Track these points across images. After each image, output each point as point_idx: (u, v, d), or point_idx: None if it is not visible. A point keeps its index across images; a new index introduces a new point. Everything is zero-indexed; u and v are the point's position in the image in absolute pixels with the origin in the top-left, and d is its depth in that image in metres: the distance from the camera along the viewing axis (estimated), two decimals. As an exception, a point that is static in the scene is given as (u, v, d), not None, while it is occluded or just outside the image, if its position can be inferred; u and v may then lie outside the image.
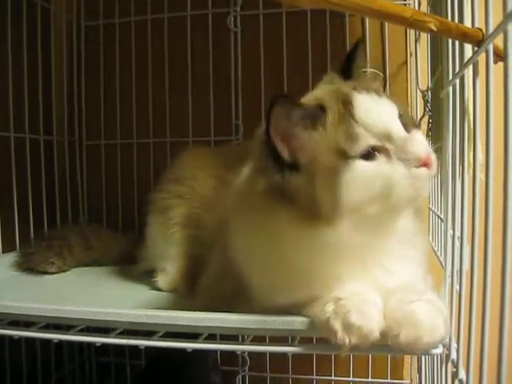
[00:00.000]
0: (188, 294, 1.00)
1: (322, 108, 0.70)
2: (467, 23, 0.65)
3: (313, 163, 0.68)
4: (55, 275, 1.23)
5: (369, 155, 0.67)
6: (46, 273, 1.23)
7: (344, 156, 0.66)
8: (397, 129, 0.69)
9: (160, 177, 1.19)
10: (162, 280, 1.08)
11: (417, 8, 1.36)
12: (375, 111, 0.69)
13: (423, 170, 0.68)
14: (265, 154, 0.70)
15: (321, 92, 0.76)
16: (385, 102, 0.72)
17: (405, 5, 1.41)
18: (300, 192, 0.68)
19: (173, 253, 1.07)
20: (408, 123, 0.72)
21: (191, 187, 1.08)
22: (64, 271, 1.27)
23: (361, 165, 0.66)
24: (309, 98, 0.74)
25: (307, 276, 0.72)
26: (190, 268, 1.03)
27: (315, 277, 0.71)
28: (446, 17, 0.77)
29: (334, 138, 0.68)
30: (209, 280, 0.92)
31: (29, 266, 1.25)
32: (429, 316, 0.66)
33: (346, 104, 0.69)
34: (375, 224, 0.69)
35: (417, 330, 0.65)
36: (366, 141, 0.67)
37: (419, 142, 0.69)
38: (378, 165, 0.67)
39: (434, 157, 0.69)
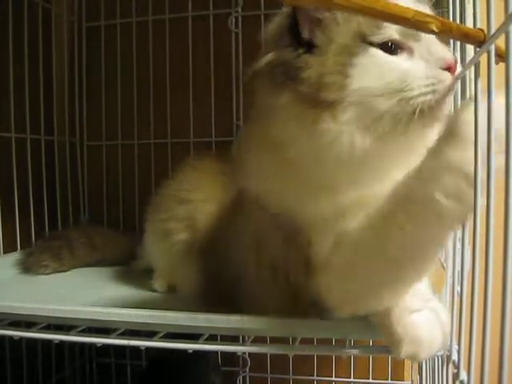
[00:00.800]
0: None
1: None
2: (469, 24, 0.65)
3: (330, 43, 0.64)
4: (57, 275, 1.24)
5: (389, 49, 0.63)
6: (43, 273, 1.24)
7: (364, 39, 0.63)
8: None
9: (161, 180, 1.18)
10: (158, 283, 1.08)
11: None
12: (407, 3, 0.61)
13: (447, 73, 0.63)
14: (284, 28, 0.68)
15: None
16: (420, 0, 0.65)
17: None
18: (309, 72, 0.63)
19: (181, 276, 1.06)
20: None
21: (191, 212, 1.03)
22: (63, 271, 1.27)
23: (379, 54, 0.62)
24: None
25: (316, 181, 0.67)
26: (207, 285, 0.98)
27: (315, 186, 0.67)
28: (448, 17, 0.77)
29: (358, 20, 0.63)
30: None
31: (25, 267, 1.26)
32: (429, 330, 0.66)
33: None
34: (387, 129, 0.63)
35: (415, 347, 0.65)
36: (391, 31, 0.63)
37: (445, 47, 0.65)
38: (398, 59, 0.63)
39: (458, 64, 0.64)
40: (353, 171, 0.65)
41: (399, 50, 0.63)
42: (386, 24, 0.62)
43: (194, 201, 1.02)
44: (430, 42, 0.64)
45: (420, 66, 0.63)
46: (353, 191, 0.66)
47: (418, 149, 0.64)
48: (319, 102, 0.62)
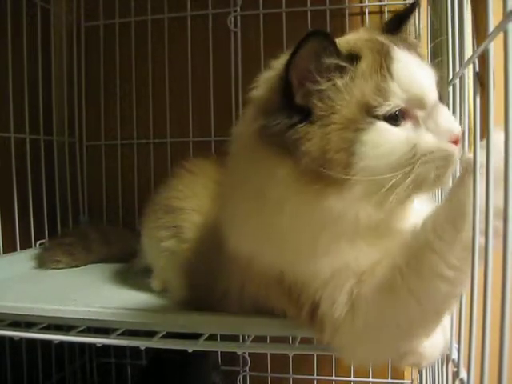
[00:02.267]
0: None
1: (355, 56, 0.62)
2: (467, 23, 0.65)
3: (331, 113, 0.60)
4: (60, 274, 1.24)
5: (395, 118, 0.60)
6: (56, 268, 1.28)
7: (369, 112, 0.60)
8: (432, 96, 0.62)
9: (160, 179, 1.17)
10: (154, 283, 1.08)
11: (416, 7, 1.35)
12: (414, 71, 0.62)
13: (453, 146, 0.61)
14: (275, 90, 0.63)
15: (355, 38, 0.68)
16: (425, 66, 0.64)
17: (405, 5, 1.41)
18: (309, 146, 0.59)
19: (169, 281, 1.05)
20: (443, 96, 0.66)
21: (181, 220, 1.01)
22: (76, 266, 1.30)
23: (386, 128, 0.60)
24: (340, 42, 0.64)
25: (308, 250, 0.65)
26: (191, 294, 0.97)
27: (317, 252, 0.65)
28: (446, 16, 0.77)
29: (361, 90, 0.60)
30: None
31: (39, 262, 1.31)
32: (431, 340, 0.67)
33: (383, 56, 0.62)
34: (389, 200, 0.60)
35: (417, 358, 0.66)
36: (398, 101, 0.60)
37: (451, 117, 0.63)
38: (405, 131, 0.61)
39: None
40: (353, 238, 0.64)
41: (404, 119, 0.61)
42: (394, 91, 0.60)
43: (182, 209, 1.01)
44: (435, 110, 0.62)
45: (427, 137, 0.61)
46: (351, 253, 0.65)
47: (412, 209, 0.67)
48: (323, 177, 0.59)
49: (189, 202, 1.02)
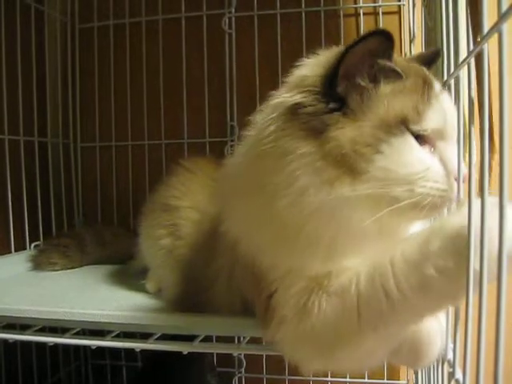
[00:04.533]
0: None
1: (403, 71, 0.65)
2: (462, 23, 0.65)
3: (368, 111, 0.63)
4: (55, 276, 1.24)
5: (420, 139, 0.63)
6: (53, 270, 1.28)
7: (403, 123, 0.63)
8: (454, 134, 0.66)
9: (155, 181, 1.17)
10: (149, 284, 1.08)
11: (411, 8, 1.36)
12: (447, 108, 0.66)
13: (455, 184, 0.64)
14: (321, 75, 0.65)
15: (401, 61, 0.70)
16: (453, 106, 0.68)
17: (399, 6, 1.42)
18: (339, 133, 0.62)
19: (165, 278, 1.05)
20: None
21: (177, 218, 1.02)
22: (72, 268, 1.31)
23: (413, 143, 0.63)
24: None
25: (281, 240, 0.67)
26: (186, 290, 0.97)
27: (287, 244, 0.67)
28: (441, 17, 0.77)
29: (402, 102, 0.64)
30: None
31: (35, 264, 1.31)
32: (428, 342, 0.67)
33: (427, 84, 0.66)
34: (388, 211, 0.62)
35: (415, 359, 0.66)
36: (429, 125, 0.63)
37: (462, 157, 0.66)
38: (424, 153, 0.63)
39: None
40: (333, 243, 0.65)
41: (425, 143, 0.64)
42: (429, 116, 0.63)
43: (180, 208, 1.01)
44: (451, 146, 0.66)
45: (439, 167, 0.64)
46: (336, 258, 0.66)
47: (402, 229, 0.68)
48: (342, 165, 0.62)
49: (186, 200, 1.03)
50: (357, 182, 0.61)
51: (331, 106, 0.63)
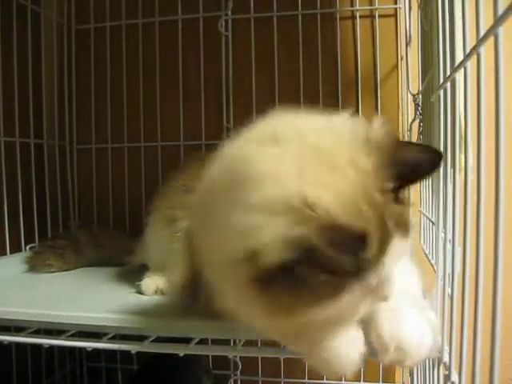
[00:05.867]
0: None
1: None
2: (458, 26, 0.65)
3: None
4: (51, 278, 1.23)
5: None
6: (48, 272, 1.26)
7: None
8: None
9: (151, 182, 1.17)
10: (145, 284, 1.07)
11: (407, 11, 1.37)
12: None
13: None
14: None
15: None
16: None
17: (395, 9, 1.42)
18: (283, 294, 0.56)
19: (176, 264, 1.04)
20: None
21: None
22: (68, 270, 1.29)
23: None
24: None
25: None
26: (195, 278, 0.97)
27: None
28: (437, 20, 0.78)
29: None
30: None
31: (30, 266, 1.29)
32: (418, 341, 0.66)
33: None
34: None
35: (400, 355, 0.65)
36: None
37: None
38: None
39: None
40: None
41: None
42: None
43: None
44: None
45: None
46: None
47: None
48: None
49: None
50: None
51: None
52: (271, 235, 0.53)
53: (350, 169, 0.56)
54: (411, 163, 0.58)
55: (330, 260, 0.51)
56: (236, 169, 0.63)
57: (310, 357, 0.69)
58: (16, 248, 1.37)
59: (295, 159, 0.58)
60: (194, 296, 0.89)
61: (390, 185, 0.56)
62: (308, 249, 0.51)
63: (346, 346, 0.66)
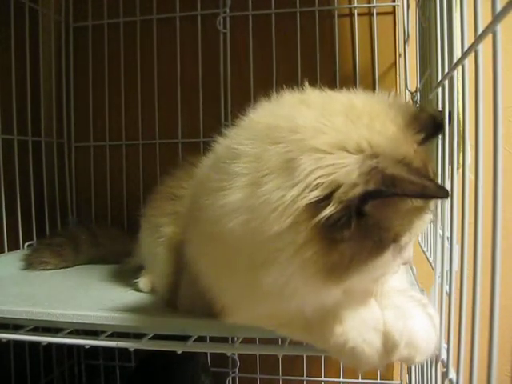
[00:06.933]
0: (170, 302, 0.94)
1: None
2: (456, 23, 0.65)
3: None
4: (48, 275, 1.23)
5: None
6: (44, 269, 1.27)
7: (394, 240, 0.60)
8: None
9: (149, 180, 1.17)
10: (143, 282, 1.08)
11: (405, 9, 1.37)
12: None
13: None
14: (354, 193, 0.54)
15: None
16: None
17: (393, 6, 1.42)
18: (346, 246, 0.57)
19: (158, 268, 1.05)
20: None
21: (180, 206, 0.99)
22: (65, 268, 1.30)
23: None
24: None
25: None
26: (175, 282, 0.95)
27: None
28: (435, 17, 0.78)
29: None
30: (185, 290, 0.87)
31: (27, 263, 1.29)
32: (426, 337, 0.67)
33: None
34: None
35: (411, 351, 0.66)
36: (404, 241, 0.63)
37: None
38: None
39: None
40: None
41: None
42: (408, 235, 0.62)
43: (184, 197, 1.01)
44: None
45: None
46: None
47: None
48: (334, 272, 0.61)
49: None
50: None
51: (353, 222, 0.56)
52: (349, 170, 0.54)
53: (389, 122, 0.59)
54: (426, 122, 0.63)
55: (413, 185, 0.52)
56: (278, 125, 0.63)
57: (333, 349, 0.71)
58: (14, 246, 1.37)
59: (337, 113, 0.60)
60: (173, 299, 0.90)
61: (421, 136, 0.60)
62: (389, 176, 0.52)
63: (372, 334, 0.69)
